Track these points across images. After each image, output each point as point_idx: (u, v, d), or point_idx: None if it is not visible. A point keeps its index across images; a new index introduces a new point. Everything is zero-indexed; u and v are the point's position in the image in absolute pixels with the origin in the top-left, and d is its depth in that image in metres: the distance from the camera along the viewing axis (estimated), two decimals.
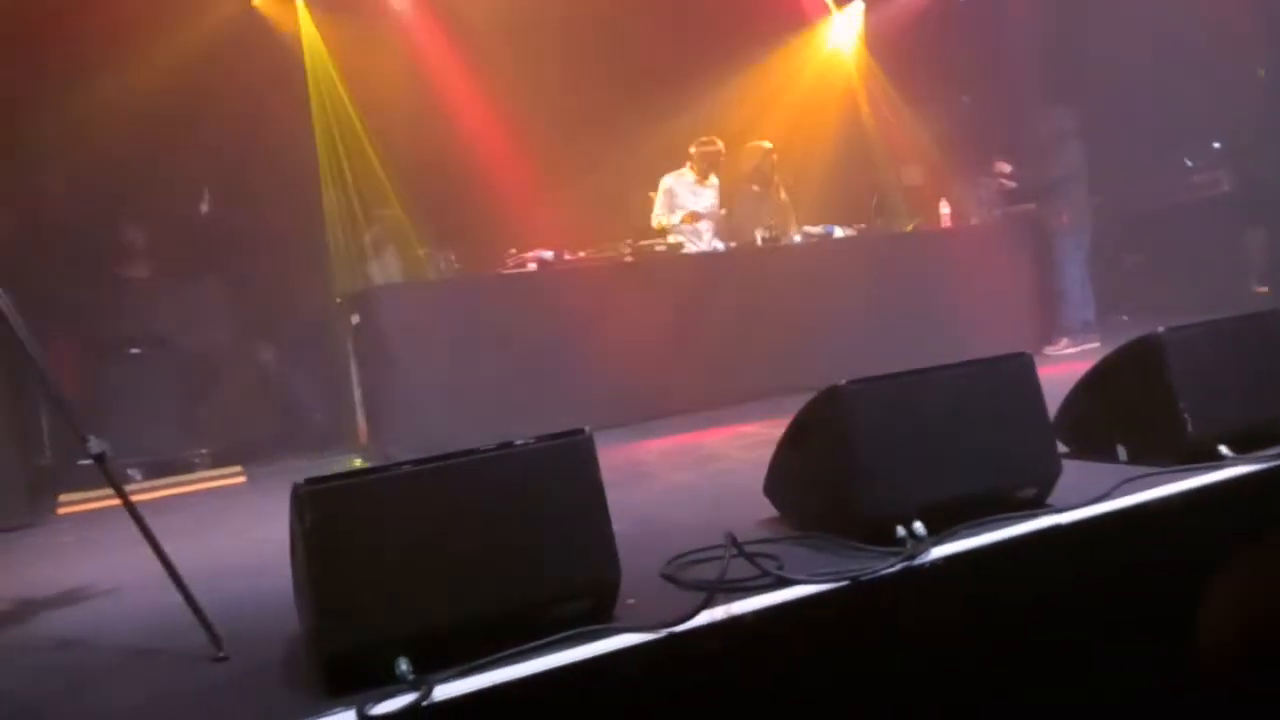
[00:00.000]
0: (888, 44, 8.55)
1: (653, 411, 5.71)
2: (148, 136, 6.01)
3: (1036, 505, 2.85)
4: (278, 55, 6.76)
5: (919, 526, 2.60)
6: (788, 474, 2.99)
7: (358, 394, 6.42)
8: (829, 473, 2.78)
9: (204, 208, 6.66)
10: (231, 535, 4.16)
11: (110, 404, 5.77)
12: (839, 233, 7.09)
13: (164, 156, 6.14)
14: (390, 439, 5.50)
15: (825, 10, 8.84)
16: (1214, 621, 1.00)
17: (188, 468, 6.01)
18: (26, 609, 3.20)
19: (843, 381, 2.75)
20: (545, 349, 5.72)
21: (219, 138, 6.28)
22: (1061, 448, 3.11)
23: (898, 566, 2.47)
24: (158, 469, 5.80)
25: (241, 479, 5.81)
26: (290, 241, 6.60)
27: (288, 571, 2.51)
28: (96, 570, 3.64)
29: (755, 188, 7.27)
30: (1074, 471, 2.99)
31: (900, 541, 2.57)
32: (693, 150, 6.99)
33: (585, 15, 7.30)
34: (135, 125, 5.95)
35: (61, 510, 5.24)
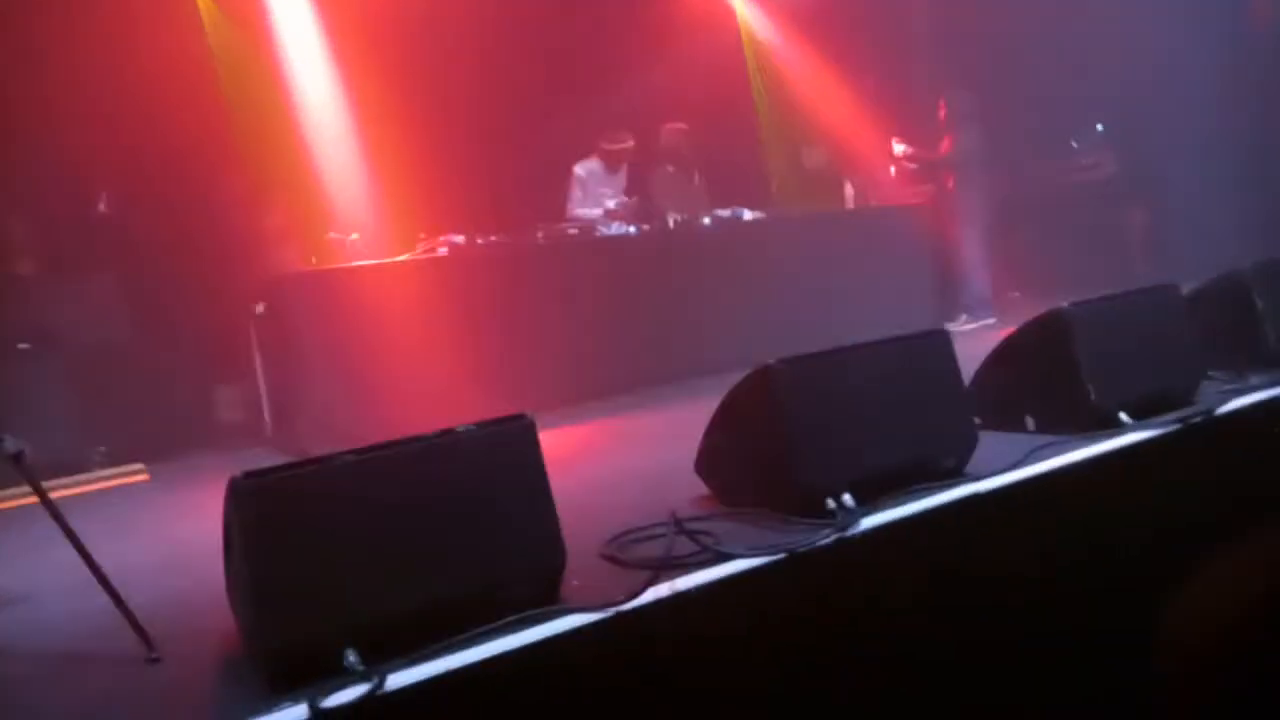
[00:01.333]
0: (790, 28, 8.69)
1: (574, 395, 5.71)
2: (34, 126, 5.70)
3: (956, 475, 2.99)
4: (178, 36, 6.46)
5: (848, 498, 2.70)
6: (721, 452, 3.06)
7: (263, 386, 6.24)
8: (762, 449, 2.85)
9: (101, 208, 6.35)
10: (141, 535, 4.01)
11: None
12: (747, 215, 7.20)
13: (50, 147, 5.82)
14: (302, 435, 5.35)
15: None
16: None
17: (85, 466, 5.74)
18: None
19: (772, 361, 2.82)
20: (460, 336, 5.65)
21: (115, 125, 5.98)
22: (975, 420, 3.26)
23: (831, 538, 2.56)
24: (53, 468, 5.52)
25: (144, 476, 5.58)
26: (189, 231, 6.34)
27: (206, 570, 2.46)
28: (8, 574, 3.47)
29: (670, 168, 7.33)
30: (988, 442, 3.14)
31: (831, 514, 2.66)
32: (603, 146, 6.98)
33: None
34: (20, 112, 5.63)
35: None
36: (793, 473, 2.75)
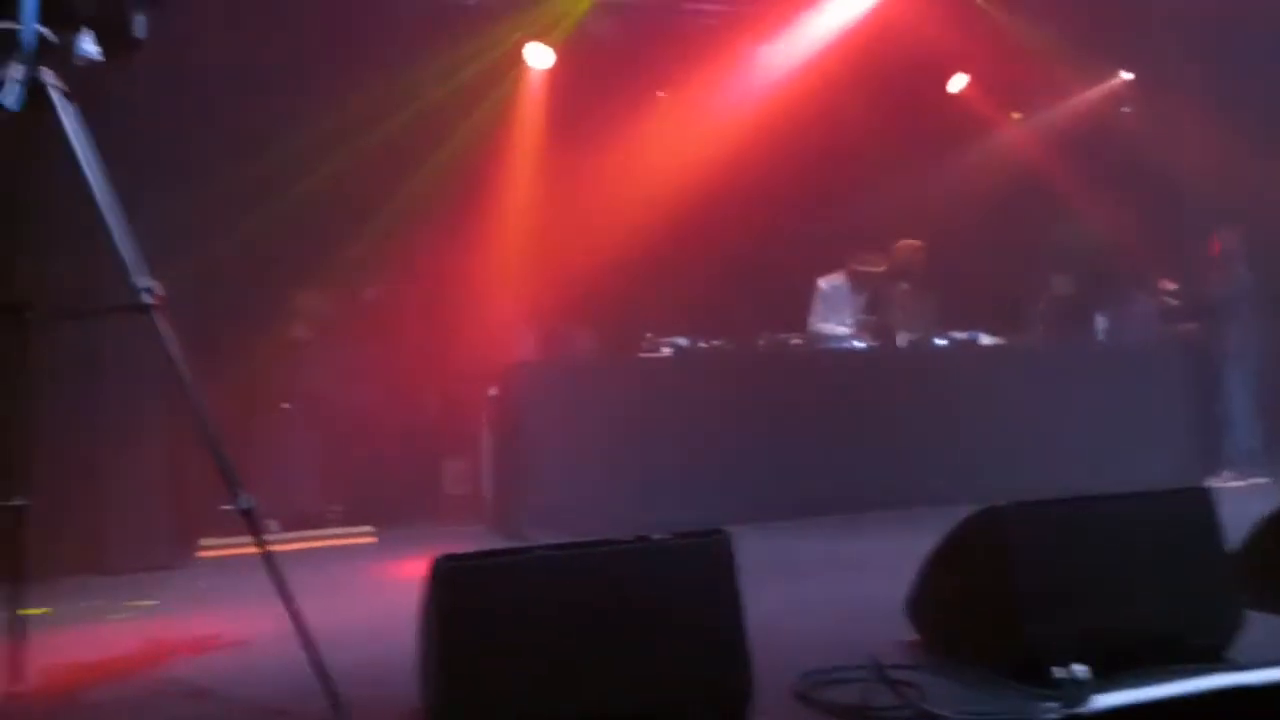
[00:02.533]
0: (1053, 154, 8.33)
1: (787, 511, 5.51)
2: (336, 206, 6.41)
3: (1213, 658, 2.59)
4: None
5: (1080, 669, 2.38)
6: (934, 595, 2.81)
7: (487, 465, 6.51)
8: (981, 599, 2.60)
9: (369, 294, 7.01)
10: (357, 597, 4.20)
11: (255, 454, 6.00)
12: (985, 340, 6.85)
13: (334, 231, 6.50)
14: (519, 516, 5.51)
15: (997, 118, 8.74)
16: None
17: (321, 522, 6.17)
18: (161, 653, 3.28)
19: (1001, 501, 2.59)
20: (679, 436, 5.67)
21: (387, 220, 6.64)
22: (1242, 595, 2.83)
23: (1057, 714, 2.26)
24: (294, 520, 5.97)
25: (372, 539, 5.91)
26: (438, 316, 6.86)
27: (407, 642, 2.49)
28: (229, 620, 3.73)
29: (905, 286, 7.13)
30: (1260, 625, 2.70)
31: (1058, 684, 2.36)
32: (853, 266, 6.89)
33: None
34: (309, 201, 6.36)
35: (201, 554, 5.44)
36: (1016, 631, 2.47)
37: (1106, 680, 2.39)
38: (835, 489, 5.78)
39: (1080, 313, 7.49)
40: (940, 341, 6.71)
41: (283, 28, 6.16)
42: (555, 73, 7.52)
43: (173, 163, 5.10)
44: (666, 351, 6.20)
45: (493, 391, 6.30)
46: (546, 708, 2.08)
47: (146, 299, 2.39)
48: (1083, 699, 2.30)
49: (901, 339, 6.61)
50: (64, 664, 3.07)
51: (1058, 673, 2.38)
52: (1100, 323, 7.07)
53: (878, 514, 5.58)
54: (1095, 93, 8.56)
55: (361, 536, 5.98)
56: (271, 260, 6.24)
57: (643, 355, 6.24)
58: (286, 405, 6.37)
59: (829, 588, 3.98)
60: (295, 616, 2.47)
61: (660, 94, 7.79)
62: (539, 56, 7.50)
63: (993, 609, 2.55)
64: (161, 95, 5.05)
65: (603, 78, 7.22)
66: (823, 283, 6.93)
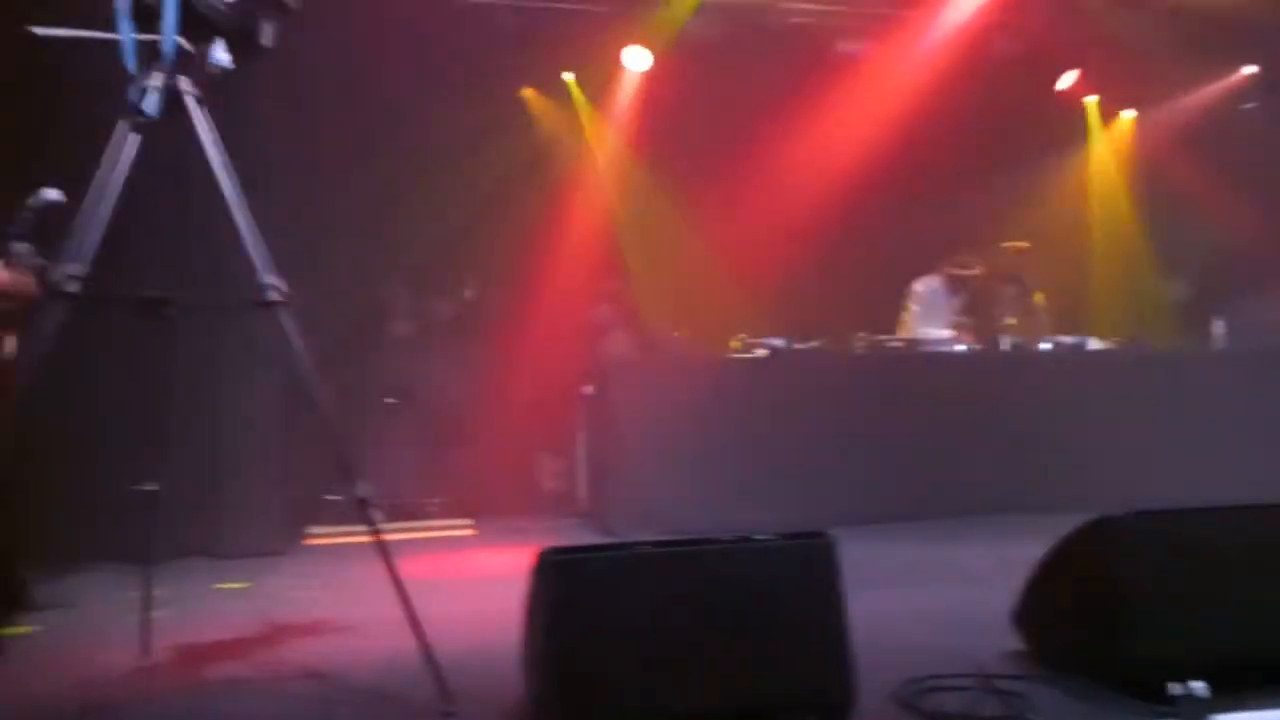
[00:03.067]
0: (1169, 150, 8.00)
1: (883, 514, 5.43)
2: (427, 214, 6.60)
3: None
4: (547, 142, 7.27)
5: (1200, 686, 2.30)
6: (1043, 606, 2.74)
7: (582, 462, 6.59)
8: (1093, 611, 2.52)
9: (467, 294, 7.19)
10: (460, 587, 4.30)
11: (359, 447, 6.21)
12: (1093, 344, 6.62)
13: (437, 232, 6.69)
14: (612, 512, 5.57)
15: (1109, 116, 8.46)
16: None
17: (421, 514, 6.34)
18: (278, 635, 3.43)
19: (1113, 510, 2.51)
20: (773, 438, 5.64)
21: (481, 220, 6.80)
22: None
23: None
24: (395, 512, 6.15)
25: (471, 531, 6.06)
26: (534, 314, 7.00)
27: (509, 631, 2.55)
28: (338, 605, 3.88)
29: (1011, 289, 6.94)
30: None
31: (1173, 700, 2.28)
32: (948, 270, 6.76)
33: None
34: (418, 201, 6.55)
35: (308, 541, 5.65)
36: (1130, 643, 2.40)
37: (1227, 699, 2.30)
38: (932, 494, 5.67)
39: (1197, 317, 7.19)
40: (1045, 346, 6.52)
41: (394, 39, 6.35)
42: (654, 76, 7.57)
43: (287, 166, 5.31)
44: (761, 352, 6.17)
45: (588, 389, 6.38)
46: (649, 702, 2.11)
47: (273, 295, 2.50)
48: (1201, 718, 2.22)
49: (1005, 342, 6.44)
50: (186, 643, 3.24)
51: (1175, 689, 2.30)
52: (1218, 327, 6.75)
53: (975, 520, 5.45)
54: (1215, 88, 8.19)
55: (460, 529, 6.13)
56: (378, 260, 6.45)
57: (736, 356, 6.23)
58: (390, 400, 6.57)
59: (927, 594, 3.91)
60: (406, 603, 2.55)
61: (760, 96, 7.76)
62: (638, 60, 7.56)
63: (1105, 621, 2.48)
64: (281, 101, 5.26)
65: (703, 81, 7.23)
66: (918, 284, 6.81)
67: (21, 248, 3.23)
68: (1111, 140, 8.48)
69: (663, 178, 7.43)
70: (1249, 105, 8.14)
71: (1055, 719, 2.20)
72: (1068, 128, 8.33)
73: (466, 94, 6.62)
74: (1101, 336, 6.69)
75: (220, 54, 2.49)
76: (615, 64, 7.54)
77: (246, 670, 3.01)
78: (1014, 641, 2.84)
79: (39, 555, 4.16)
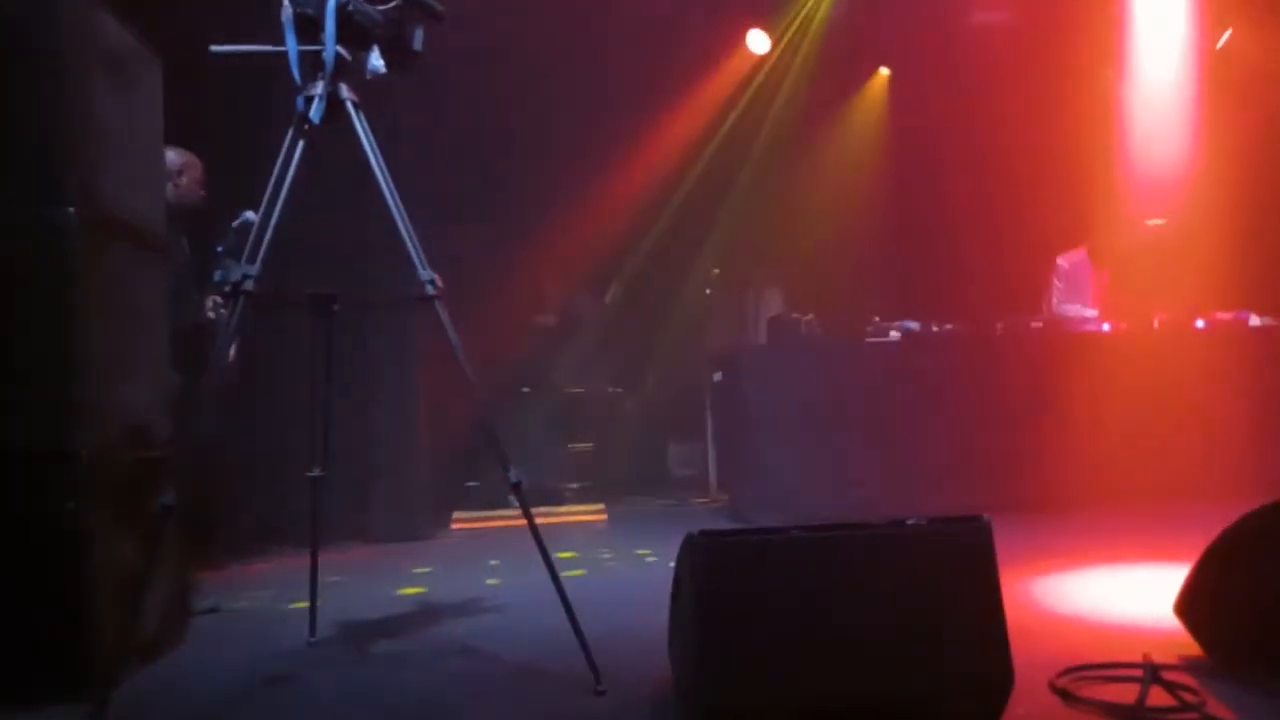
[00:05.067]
0: None
1: (1029, 500, 5.25)
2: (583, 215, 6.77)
3: None
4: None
5: None
6: (1213, 594, 2.61)
7: (711, 449, 6.63)
8: (1268, 598, 2.40)
9: (607, 298, 7.35)
10: (600, 570, 4.40)
11: (499, 434, 6.41)
12: (1254, 320, 6.22)
13: (587, 232, 6.84)
14: (743, 498, 5.59)
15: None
16: None
17: (556, 499, 6.51)
18: (433, 614, 3.59)
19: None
20: (908, 422, 5.54)
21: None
22: None
23: None
24: (532, 498, 6.32)
25: (603, 517, 6.18)
26: (678, 306, 7.12)
27: (654, 614, 2.60)
28: (488, 586, 4.03)
29: (1152, 264, 6.60)
30: None
31: None
32: (1093, 241, 6.48)
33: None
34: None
35: (455, 526, 5.88)
36: None
37: None
38: (1080, 479, 5.45)
39: None
40: (1200, 323, 6.17)
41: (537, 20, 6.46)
42: (774, 58, 7.52)
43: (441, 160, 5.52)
44: (895, 335, 6.06)
45: (717, 376, 6.40)
46: (799, 687, 2.11)
47: (431, 290, 2.62)
48: None
49: (1154, 320, 6.13)
50: (351, 621, 3.43)
51: None
52: None
53: (1127, 506, 5.23)
54: None
55: (594, 515, 6.26)
56: (524, 252, 6.64)
57: (870, 339, 6.13)
58: (526, 389, 6.76)
59: (1084, 583, 3.78)
60: (556, 583, 2.64)
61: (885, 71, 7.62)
62: (759, 43, 7.52)
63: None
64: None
65: (827, 61, 7.14)
66: (1063, 260, 6.54)
67: (230, 265, 3.53)
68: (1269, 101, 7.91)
69: (791, 164, 7.40)
70: None
71: (1233, 713, 2.10)
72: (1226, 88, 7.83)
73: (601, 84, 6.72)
74: (1264, 313, 6.27)
75: (376, 60, 2.61)
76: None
77: (403, 647, 3.16)
78: (1178, 631, 2.72)
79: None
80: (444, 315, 2.62)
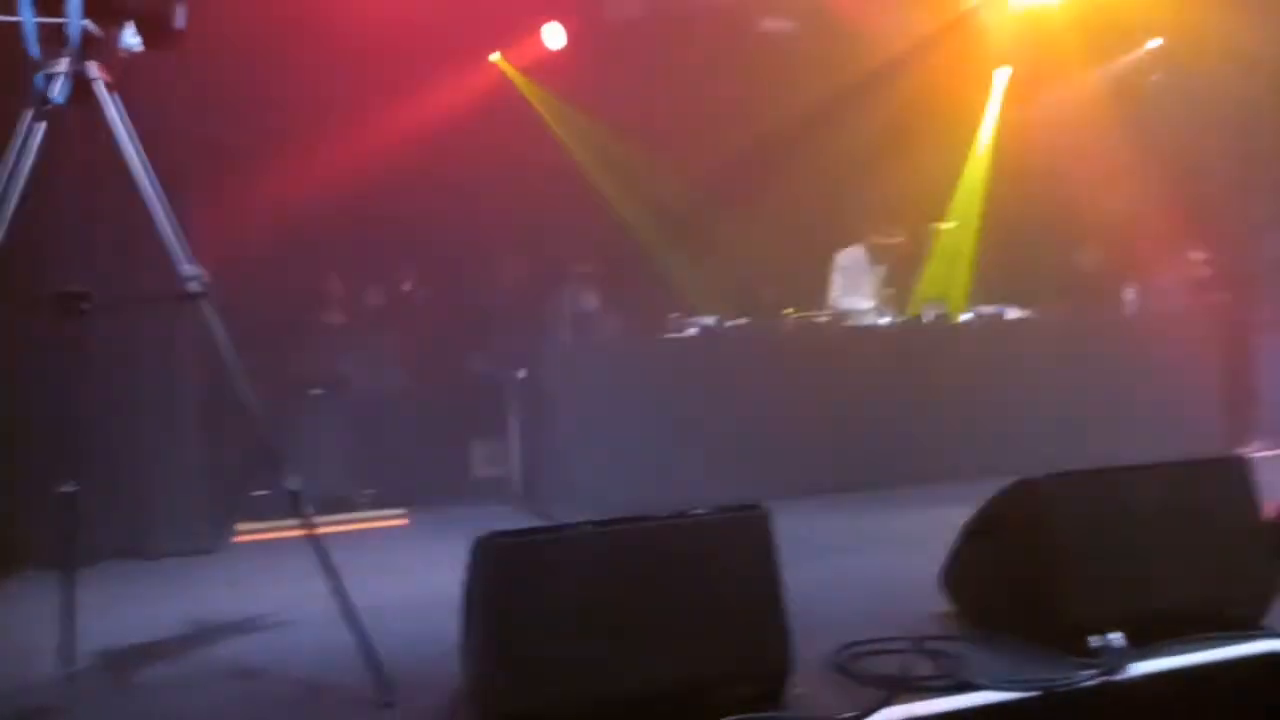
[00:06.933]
0: (1070, 121, 8.24)
1: (817, 487, 5.53)
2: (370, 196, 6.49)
3: (1249, 625, 2.60)
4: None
5: (1117, 637, 2.41)
6: (970, 567, 2.83)
7: (515, 447, 6.56)
8: (1018, 571, 2.62)
9: (405, 287, 7.10)
10: (393, 578, 4.26)
11: (286, 439, 6.07)
12: (1011, 314, 6.82)
13: (372, 228, 6.59)
14: (547, 496, 5.57)
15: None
16: None
17: (352, 505, 6.24)
18: (207, 634, 3.35)
19: (1036, 474, 2.61)
20: (707, 416, 5.70)
21: (424, 219, 6.72)
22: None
23: (1094, 679, 2.29)
24: (325, 505, 6.04)
25: (404, 521, 5.99)
26: (468, 305, 6.97)
27: (446, 622, 2.54)
28: (270, 601, 3.80)
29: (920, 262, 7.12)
30: None
31: (1094, 652, 2.39)
32: (872, 239, 6.86)
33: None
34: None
35: (238, 539, 5.52)
36: (1054, 600, 2.50)
37: (1143, 648, 2.41)
38: (863, 465, 5.80)
39: (1107, 284, 7.44)
40: (966, 316, 6.69)
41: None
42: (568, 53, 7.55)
43: (210, 151, 5.16)
44: (693, 331, 6.21)
45: (521, 374, 6.35)
46: (589, 682, 2.12)
47: (194, 287, 2.43)
48: (1120, 666, 2.33)
49: (927, 314, 6.59)
50: (112, 647, 3.15)
51: (1094, 641, 2.41)
52: (1128, 294, 7.01)
53: (906, 489, 5.58)
54: (1123, 61, 8.44)
55: (393, 519, 6.06)
56: (306, 247, 6.32)
57: (669, 336, 6.26)
58: (316, 390, 6.44)
59: (861, 562, 4.01)
60: (341, 594, 2.52)
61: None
62: (554, 37, 7.52)
63: (1029, 580, 2.58)
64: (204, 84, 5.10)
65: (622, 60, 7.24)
66: (841, 256, 6.91)
67: None
68: (1023, 111, 8.68)
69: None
70: (1155, 78, 8.41)
71: (983, 676, 2.28)
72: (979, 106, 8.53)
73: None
74: (1020, 306, 6.88)
75: (130, 37, 2.40)
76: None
77: (176, 671, 2.94)
78: (944, 604, 2.93)
79: None
80: (210, 313, 2.44)
